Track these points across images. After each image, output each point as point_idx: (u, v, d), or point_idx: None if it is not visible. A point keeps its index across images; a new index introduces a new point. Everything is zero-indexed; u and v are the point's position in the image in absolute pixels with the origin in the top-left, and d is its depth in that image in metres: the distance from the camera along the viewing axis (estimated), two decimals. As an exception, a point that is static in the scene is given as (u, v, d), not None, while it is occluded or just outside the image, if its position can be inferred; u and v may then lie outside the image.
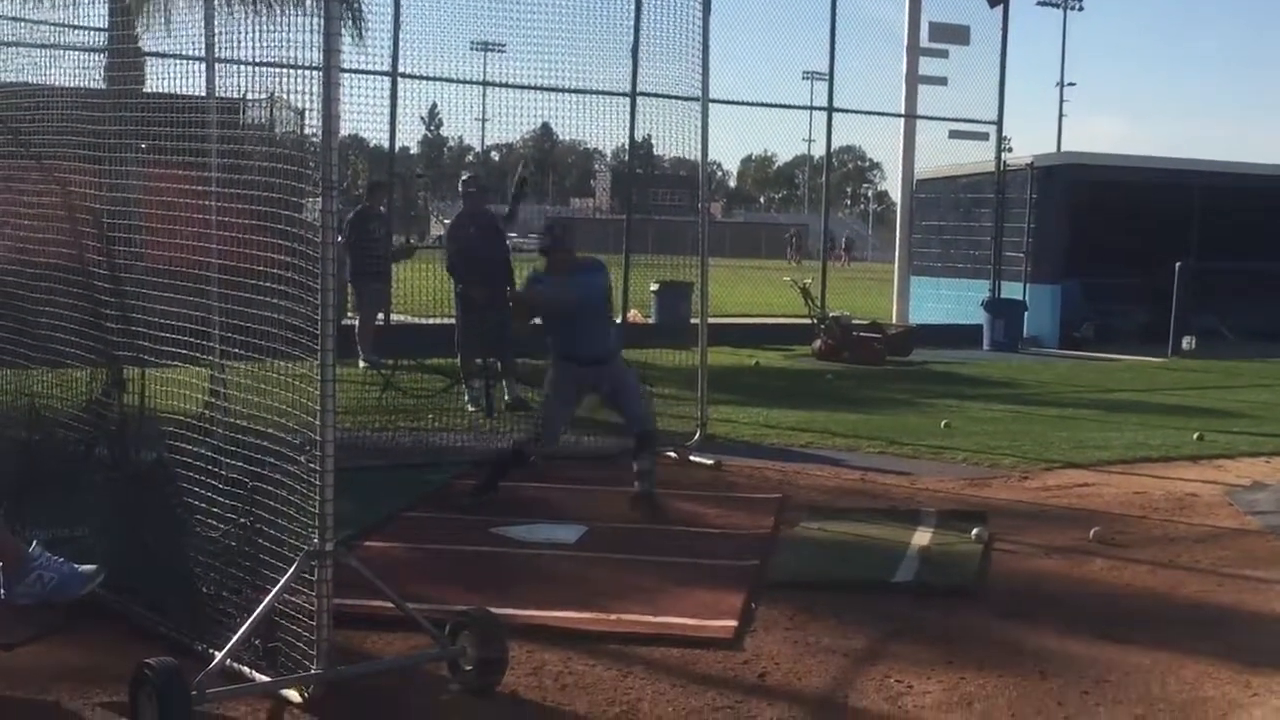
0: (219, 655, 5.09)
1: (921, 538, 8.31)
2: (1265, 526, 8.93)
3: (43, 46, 7.23)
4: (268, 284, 5.45)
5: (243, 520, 5.57)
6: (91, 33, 7.48)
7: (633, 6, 16.90)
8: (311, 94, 5.20)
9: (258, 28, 5.79)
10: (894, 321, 23.23)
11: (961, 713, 5.43)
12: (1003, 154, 24.64)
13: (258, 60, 5.66)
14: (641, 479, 8.96)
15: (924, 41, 23.51)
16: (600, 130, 19.67)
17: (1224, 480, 10.52)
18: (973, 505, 9.38)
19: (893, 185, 26.39)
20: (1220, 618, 6.86)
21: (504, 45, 17.16)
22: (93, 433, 6.75)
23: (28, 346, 7.00)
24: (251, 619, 5.14)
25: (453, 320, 13.16)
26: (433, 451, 10.71)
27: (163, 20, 7.85)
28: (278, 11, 6.17)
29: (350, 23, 16.22)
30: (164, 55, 7.19)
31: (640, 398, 9.43)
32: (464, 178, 13.88)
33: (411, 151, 24.86)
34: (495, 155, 34.95)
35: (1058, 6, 70.81)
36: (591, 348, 9.02)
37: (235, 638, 5.13)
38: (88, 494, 6.70)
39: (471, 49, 18.11)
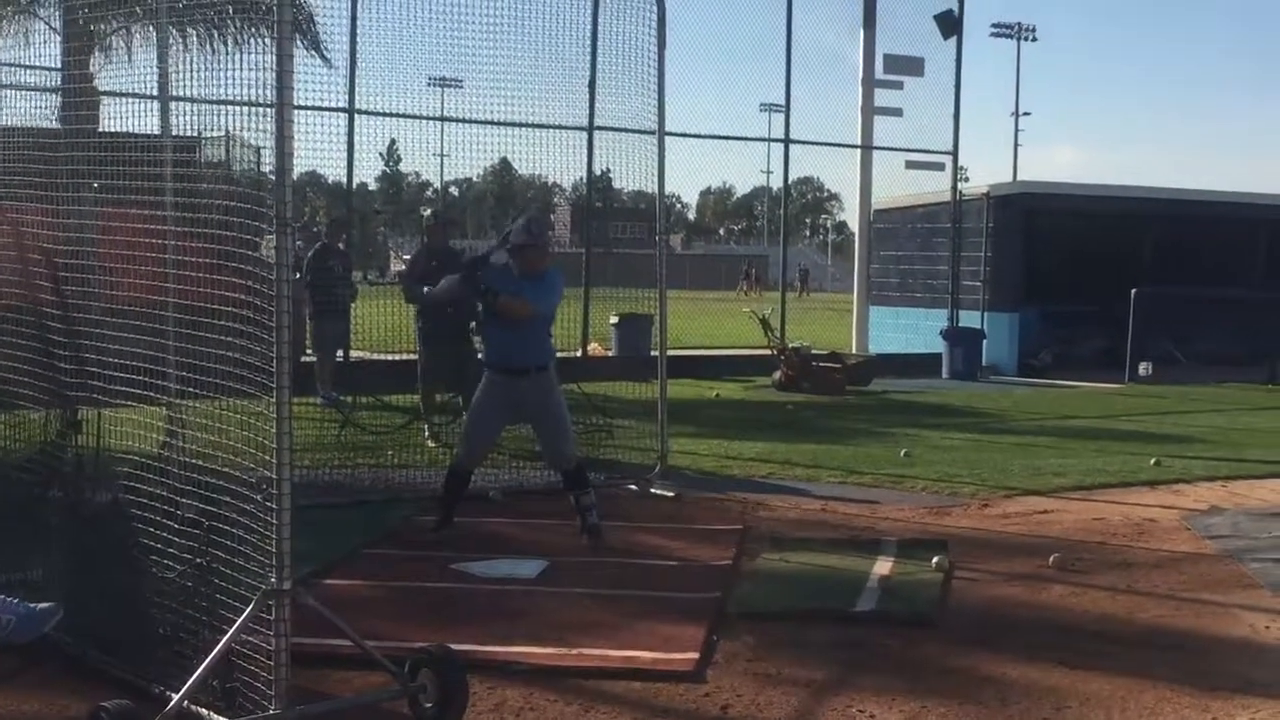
0: (176, 697, 5.05)
1: (882, 567, 8.33)
2: (1221, 551, 8.99)
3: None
4: (224, 322, 5.43)
5: (199, 560, 5.53)
6: (44, 72, 7.47)
7: (589, 41, 16.96)
8: (267, 131, 5.19)
9: (213, 66, 5.78)
10: (853, 351, 23.32)
11: (923, 742, 5.44)
12: (959, 184, 24.83)
13: (213, 98, 5.65)
14: (586, 513, 8.91)
15: (879, 73, 23.69)
16: (559, 164, 19.63)
17: (1181, 505, 10.59)
18: (933, 534, 9.42)
19: (851, 216, 26.53)
20: (1178, 642, 6.90)
21: (461, 81, 17.14)
22: (48, 475, 6.69)
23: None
24: (209, 660, 5.10)
25: (413, 355, 13.13)
26: (393, 488, 10.68)
27: (117, 59, 7.83)
28: (230, 47, 6.14)
29: (313, 51, 16.19)
30: (118, 94, 7.16)
31: (567, 432, 9.05)
32: (426, 212, 13.85)
33: (370, 187, 24.83)
34: (454, 190, 34.98)
35: (1011, 37, 71.51)
36: (518, 359, 8.75)
37: (192, 679, 5.08)
38: (43, 536, 6.63)
39: (429, 85, 18.12)
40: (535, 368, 8.78)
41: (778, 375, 20.03)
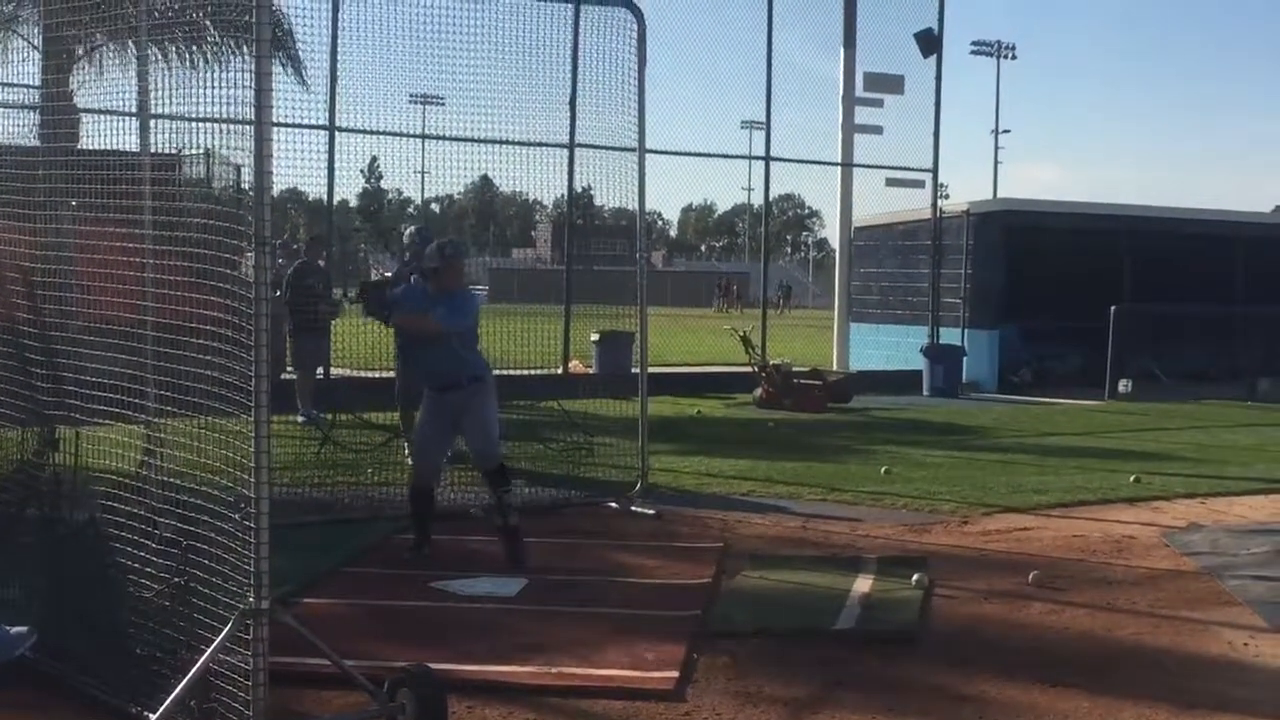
0: (153, 717, 5.02)
1: (862, 585, 8.33)
2: (1201, 568, 9.02)
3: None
4: (203, 340, 5.42)
5: (177, 579, 5.51)
6: (23, 89, 7.45)
7: (569, 59, 17.02)
8: (247, 149, 5.18)
9: (192, 83, 5.77)
10: (834, 368, 23.33)
11: (903, 760, 5.44)
12: (939, 201, 24.88)
13: (193, 116, 5.64)
14: (505, 512, 8.90)
15: (859, 91, 23.75)
16: (540, 181, 19.74)
17: (1160, 522, 10.62)
18: (913, 551, 9.43)
19: (832, 232, 26.56)
20: (1157, 659, 6.91)
21: (442, 98, 17.17)
22: (25, 493, 6.66)
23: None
24: (186, 679, 5.08)
25: (393, 373, 13.08)
26: (372, 506, 10.65)
27: (96, 76, 7.79)
28: (209, 61, 6.14)
29: (290, 68, 16.19)
30: (97, 111, 7.15)
31: (489, 434, 9.08)
32: (409, 230, 13.80)
33: (351, 205, 24.79)
34: (435, 207, 34.99)
35: (991, 55, 71.93)
36: (450, 373, 8.84)
37: (170, 699, 5.07)
38: (20, 555, 6.60)
39: (410, 102, 18.14)
40: (467, 380, 8.85)
41: (759, 392, 20.03)
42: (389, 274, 12.13)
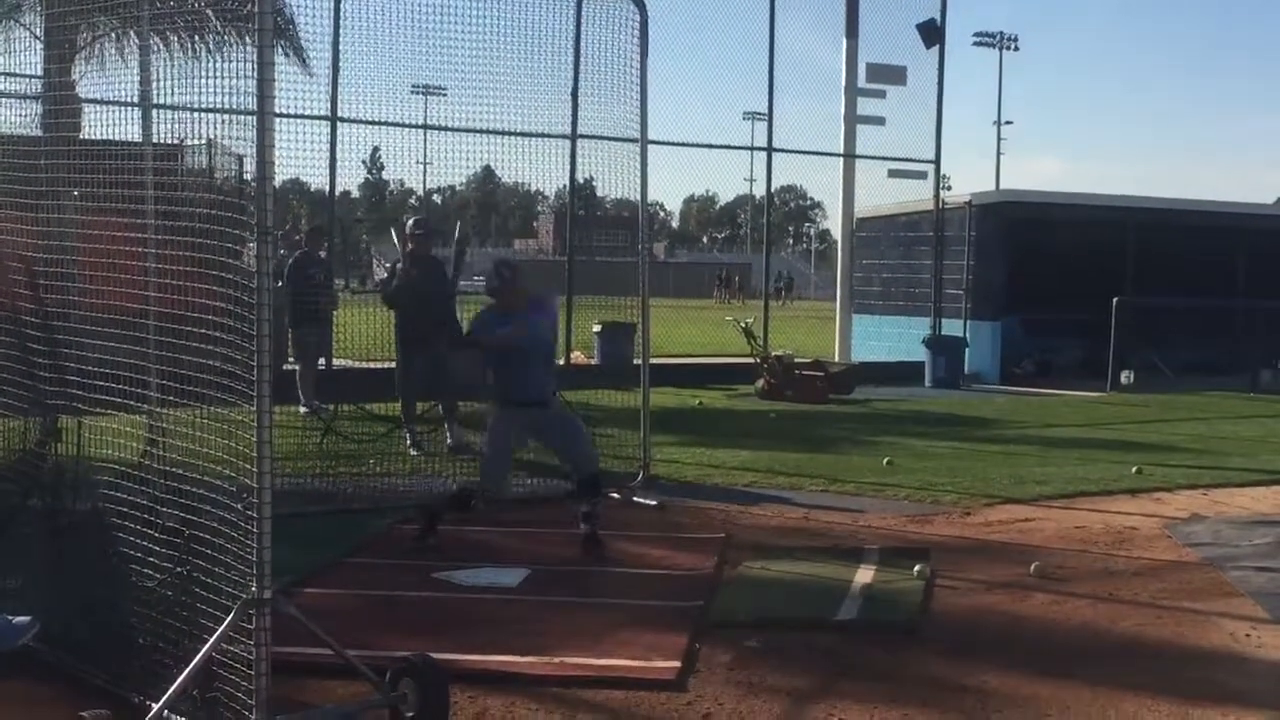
0: (156, 706, 5.03)
1: (864, 575, 8.33)
2: (1203, 559, 9.02)
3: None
4: (205, 330, 5.42)
5: (180, 569, 5.51)
6: (25, 80, 7.45)
7: (571, 50, 17.00)
8: (249, 139, 5.18)
9: (195, 73, 5.77)
10: (836, 360, 23.33)
11: (904, 750, 5.44)
12: (941, 192, 24.85)
13: (195, 106, 5.64)
14: (589, 520, 8.94)
15: (862, 82, 23.71)
16: (542, 172, 19.70)
17: (1162, 513, 10.62)
18: (915, 542, 9.43)
19: (834, 224, 26.51)
20: (1159, 650, 6.92)
21: (444, 89, 17.14)
22: (27, 483, 6.66)
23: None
24: (189, 669, 5.09)
25: (394, 364, 13.10)
26: (374, 496, 10.65)
27: (99, 66, 7.81)
28: (211, 50, 6.13)
29: (293, 58, 16.17)
30: (100, 101, 7.15)
31: (587, 442, 9.23)
32: (410, 221, 13.80)
33: (353, 195, 24.79)
34: (437, 198, 34.95)
35: (993, 47, 71.73)
36: (533, 391, 8.87)
37: (173, 688, 5.07)
38: (22, 545, 6.61)
39: (412, 92, 18.13)
40: (551, 396, 9.04)
41: (760, 383, 20.03)
42: (389, 265, 12.07)
